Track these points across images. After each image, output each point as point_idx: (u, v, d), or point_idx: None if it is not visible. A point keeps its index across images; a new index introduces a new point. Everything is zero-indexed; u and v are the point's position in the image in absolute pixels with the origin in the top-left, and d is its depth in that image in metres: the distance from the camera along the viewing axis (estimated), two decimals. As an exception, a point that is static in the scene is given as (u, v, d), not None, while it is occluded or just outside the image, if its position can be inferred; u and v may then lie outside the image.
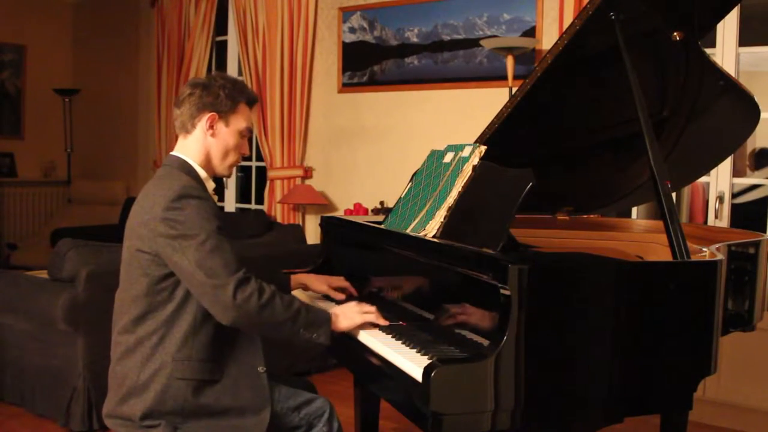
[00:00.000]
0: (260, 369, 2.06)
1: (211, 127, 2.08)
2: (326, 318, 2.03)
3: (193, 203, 1.94)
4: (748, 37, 3.87)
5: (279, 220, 5.45)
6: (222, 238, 1.94)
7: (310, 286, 2.47)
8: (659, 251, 2.61)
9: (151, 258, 1.96)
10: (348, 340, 2.09)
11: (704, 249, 2.26)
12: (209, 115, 2.07)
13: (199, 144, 2.09)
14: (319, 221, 2.92)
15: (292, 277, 2.47)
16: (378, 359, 1.91)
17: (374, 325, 2.09)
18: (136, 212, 2.03)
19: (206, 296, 1.92)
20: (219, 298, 1.89)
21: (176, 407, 1.96)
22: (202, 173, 2.09)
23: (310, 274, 2.53)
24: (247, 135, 2.16)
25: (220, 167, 2.13)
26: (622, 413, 1.84)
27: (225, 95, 2.07)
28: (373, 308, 2.12)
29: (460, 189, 2.15)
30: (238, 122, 2.11)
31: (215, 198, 2.13)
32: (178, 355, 1.96)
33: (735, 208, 4.01)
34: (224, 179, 6.05)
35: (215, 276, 1.89)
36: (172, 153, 2.12)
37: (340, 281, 2.47)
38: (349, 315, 2.08)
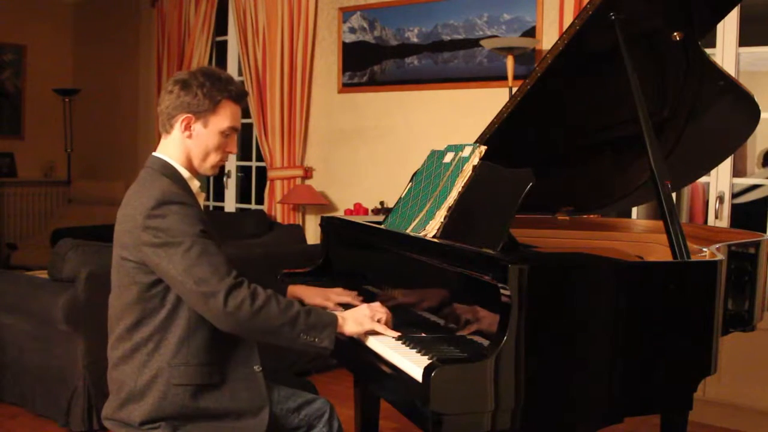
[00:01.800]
0: (256, 368, 2.04)
1: (187, 128, 2.00)
2: (330, 320, 1.94)
3: (174, 209, 1.88)
4: (748, 37, 3.87)
5: (279, 220, 5.45)
6: (207, 241, 1.88)
7: (305, 300, 2.32)
8: (659, 251, 2.61)
9: (137, 266, 1.92)
10: (348, 340, 2.09)
11: (704, 249, 2.25)
12: (184, 116, 1.98)
13: (178, 144, 2.02)
14: (319, 221, 2.92)
15: (289, 288, 2.37)
16: (378, 359, 1.91)
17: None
18: (119, 219, 1.99)
19: (198, 305, 1.88)
20: (210, 306, 1.85)
21: (175, 412, 1.95)
22: (185, 173, 2.03)
23: (307, 286, 2.41)
24: (231, 134, 2.04)
25: (202, 168, 2.05)
26: (622, 413, 1.84)
27: (203, 94, 1.96)
28: (385, 314, 2.02)
29: (460, 189, 2.15)
30: (219, 122, 2.00)
31: (202, 196, 2.08)
32: (173, 360, 1.94)
33: (735, 208, 4.01)
34: (224, 179, 6.07)
35: (204, 284, 1.84)
36: (154, 153, 2.06)
37: (339, 296, 2.34)
38: (359, 320, 1.99)
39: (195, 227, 1.89)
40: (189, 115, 1.99)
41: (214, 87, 1.99)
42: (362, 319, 1.99)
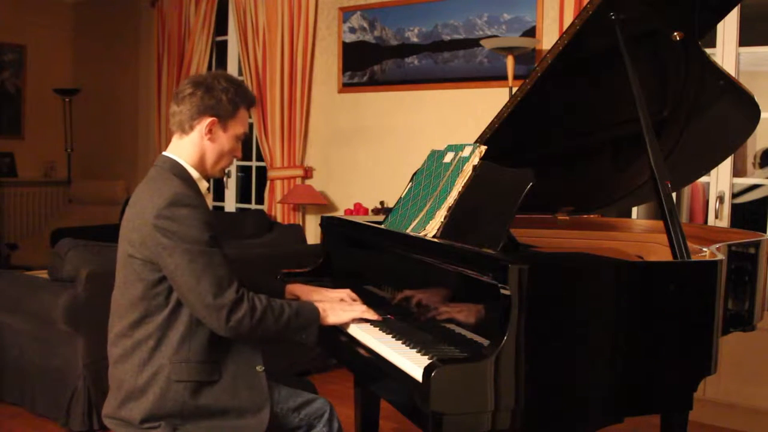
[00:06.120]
0: (259, 368, 2.05)
1: (210, 131, 2.05)
2: (314, 318, 2.06)
3: (185, 212, 1.91)
4: (748, 37, 3.87)
5: (279, 220, 5.45)
6: (214, 251, 1.93)
7: (302, 299, 2.33)
8: (659, 251, 2.61)
9: (144, 263, 1.95)
10: (348, 340, 2.09)
11: (704, 249, 2.25)
12: (210, 120, 2.04)
13: (195, 146, 2.07)
14: (319, 221, 2.92)
15: (287, 287, 2.38)
16: (378, 359, 1.91)
17: (365, 319, 2.14)
18: (127, 216, 2.02)
19: (198, 312, 1.93)
20: (212, 319, 1.91)
21: (175, 409, 1.96)
22: (195, 174, 2.07)
23: (304, 285, 2.43)
24: (242, 138, 2.13)
25: (213, 170, 2.11)
26: (622, 413, 1.84)
27: (227, 100, 2.04)
28: (359, 302, 2.19)
29: (460, 189, 2.15)
30: (237, 127, 2.08)
31: (210, 197, 2.12)
32: (175, 357, 1.96)
33: (735, 208, 4.01)
34: (224, 179, 6.06)
35: (208, 297, 1.89)
36: (164, 153, 2.09)
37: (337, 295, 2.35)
38: (337, 311, 2.11)
39: (204, 233, 1.92)
40: (214, 118, 2.04)
41: (237, 93, 2.06)
42: (339, 311, 2.12)
